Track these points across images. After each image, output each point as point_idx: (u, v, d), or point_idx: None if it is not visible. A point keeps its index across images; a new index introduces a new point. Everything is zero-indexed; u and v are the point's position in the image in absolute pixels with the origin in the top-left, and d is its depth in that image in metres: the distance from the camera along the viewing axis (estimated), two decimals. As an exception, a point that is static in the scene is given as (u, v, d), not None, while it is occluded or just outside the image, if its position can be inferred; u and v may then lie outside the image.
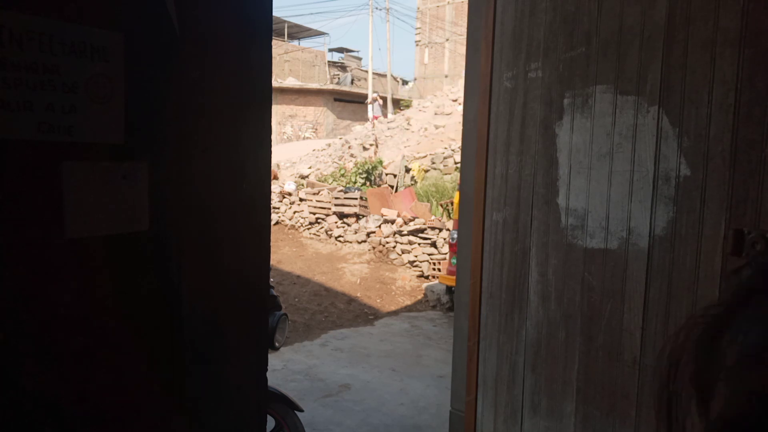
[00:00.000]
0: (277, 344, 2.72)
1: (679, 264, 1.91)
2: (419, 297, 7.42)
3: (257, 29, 1.33)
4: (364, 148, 14.53)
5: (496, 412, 2.57)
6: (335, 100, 26.44)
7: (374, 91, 24.66)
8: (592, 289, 2.16)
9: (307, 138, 23.43)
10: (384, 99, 25.45)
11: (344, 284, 7.81)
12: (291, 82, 26.82)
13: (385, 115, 20.50)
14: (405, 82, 33.69)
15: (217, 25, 1.24)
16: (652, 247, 1.98)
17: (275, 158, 14.21)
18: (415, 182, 11.56)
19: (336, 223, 9.96)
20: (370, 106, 22.10)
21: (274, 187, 11.35)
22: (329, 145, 16.53)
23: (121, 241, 1.09)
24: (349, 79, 30.98)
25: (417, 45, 29.50)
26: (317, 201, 10.41)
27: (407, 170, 12.00)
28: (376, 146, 14.28)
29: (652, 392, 0.39)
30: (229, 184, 1.30)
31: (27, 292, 0.98)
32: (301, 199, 10.77)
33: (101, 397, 1.09)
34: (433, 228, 8.67)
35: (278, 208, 10.87)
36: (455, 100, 15.65)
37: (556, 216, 2.29)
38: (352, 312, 6.76)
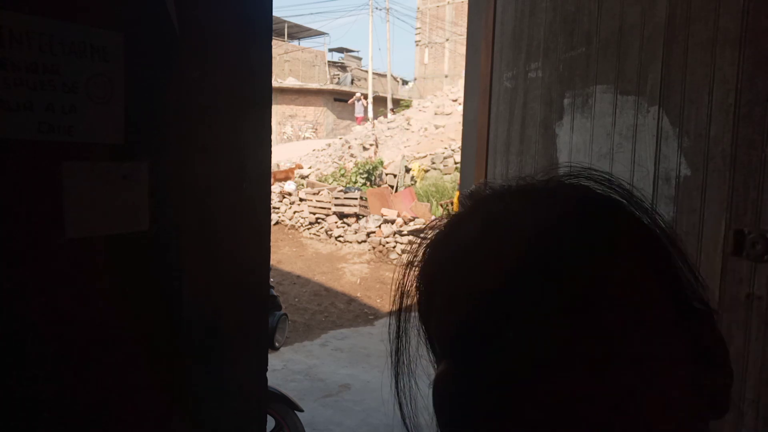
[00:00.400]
0: (277, 344, 2.72)
1: (679, 264, 1.90)
2: (419, 297, 7.41)
3: (257, 29, 1.33)
4: (364, 148, 14.53)
5: (496, 412, 2.57)
6: (335, 100, 26.44)
7: (375, 90, 24.65)
8: (592, 289, 2.16)
9: (307, 138, 23.43)
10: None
11: (344, 284, 7.81)
12: (291, 82, 26.82)
13: (368, 117, 19.89)
14: (405, 82, 33.68)
15: (217, 25, 1.24)
16: (652, 247, 1.98)
17: (275, 158, 14.22)
18: (415, 182, 11.56)
19: (336, 223, 9.95)
20: (358, 104, 21.26)
21: (274, 187, 11.35)
22: (329, 145, 16.53)
23: (121, 241, 1.09)
24: (349, 79, 30.99)
25: (417, 45, 29.50)
26: (317, 201, 10.41)
27: (407, 170, 12.00)
28: (376, 146, 14.28)
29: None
30: (229, 184, 1.30)
31: (27, 292, 0.98)
32: (301, 199, 10.77)
33: (101, 397, 1.09)
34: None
35: (278, 208, 10.86)
36: (455, 100, 15.65)
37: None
38: (352, 312, 6.76)
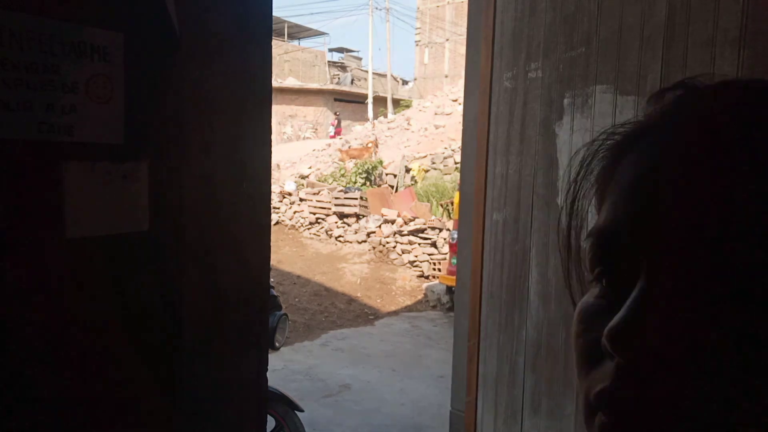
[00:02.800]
0: (277, 344, 2.72)
1: (679, 264, 1.90)
2: (419, 297, 7.42)
3: (257, 29, 1.33)
4: (364, 148, 14.54)
5: (496, 413, 2.57)
6: (335, 100, 26.45)
7: (376, 90, 24.58)
8: (592, 289, 2.16)
9: (307, 138, 23.45)
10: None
11: (344, 284, 7.81)
12: (291, 82, 26.83)
13: None
14: (405, 82, 33.70)
15: (217, 25, 1.24)
16: (652, 247, 1.98)
17: (275, 158, 14.22)
18: (415, 182, 11.56)
19: (336, 223, 9.95)
20: None
21: (274, 187, 11.35)
22: (329, 145, 16.54)
23: (121, 241, 1.09)
24: (349, 79, 31.01)
25: (417, 45, 29.52)
26: (317, 201, 10.41)
27: (407, 170, 12.00)
28: (376, 146, 14.28)
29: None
30: (229, 184, 1.30)
31: (26, 292, 0.98)
32: (301, 199, 10.77)
33: (101, 398, 1.09)
34: (433, 228, 8.67)
35: (278, 208, 10.86)
36: (455, 100, 15.65)
37: (556, 216, 2.29)
38: (352, 312, 6.76)
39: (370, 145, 14.00)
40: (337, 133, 22.40)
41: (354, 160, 13.24)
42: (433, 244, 8.49)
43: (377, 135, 15.33)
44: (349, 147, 14.36)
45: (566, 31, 2.24)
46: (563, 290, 2.25)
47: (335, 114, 24.16)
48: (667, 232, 0.30)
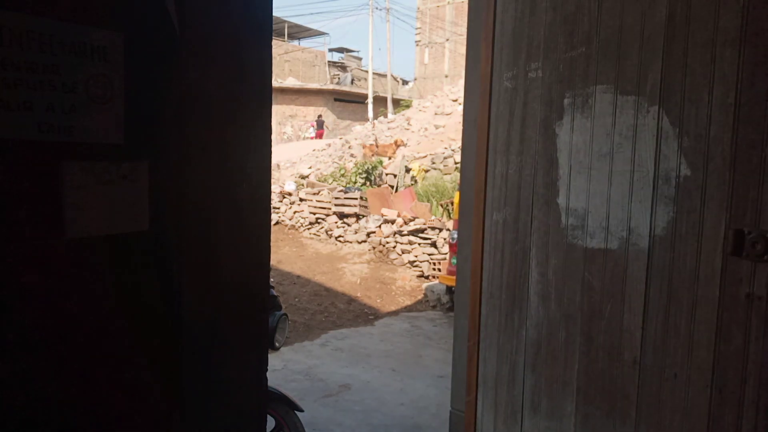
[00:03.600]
0: (277, 344, 2.72)
1: (679, 264, 1.91)
2: (419, 297, 7.42)
3: (257, 29, 1.33)
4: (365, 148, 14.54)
5: (496, 412, 2.57)
6: (335, 100, 26.47)
7: (376, 90, 24.68)
8: (592, 289, 2.16)
9: (307, 138, 23.45)
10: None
11: (344, 284, 7.81)
12: (291, 82, 26.84)
13: None
14: (405, 82, 33.70)
15: (217, 25, 1.24)
16: (652, 247, 1.98)
17: (275, 158, 14.23)
18: (415, 182, 11.56)
19: (336, 223, 9.95)
20: None
21: (274, 187, 11.35)
22: (329, 145, 16.55)
23: (121, 241, 1.09)
24: (349, 79, 31.01)
25: (417, 45, 29.53)
26: (317, 201, 10.41)
27: (407, 170, 12.00)
28: (376, 145, 14.29)
29: None
30: (229, 184, 1.30)
31: (26, 292, 0.98)
32: (301, 199, 10.77)
33: (100, 397, 1.09)
34: (433, 228, 8.67)
35: (278, 208, 10.86)
36: (455, 100, 15.66)
37: (557, 216, 2.29)
38: (352, 312, 6.76)
39: (392, 142, 14.03)
40: (319, 135, 22.62)
41: (375, 157, 13.32)
42: (433, 244, 8.49)
43: (377, 135, 15.33)
44: (372, 144, 14.42)
45: (566, 31, 2.24)
46: (563, 290, 2.25)
47: (318, 116, 24.42)
48: None
